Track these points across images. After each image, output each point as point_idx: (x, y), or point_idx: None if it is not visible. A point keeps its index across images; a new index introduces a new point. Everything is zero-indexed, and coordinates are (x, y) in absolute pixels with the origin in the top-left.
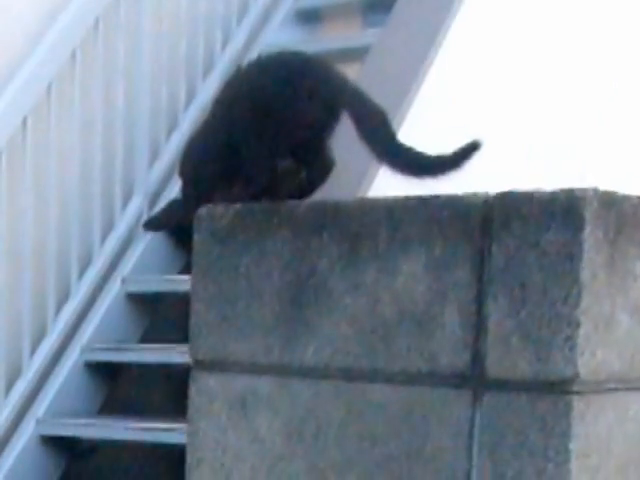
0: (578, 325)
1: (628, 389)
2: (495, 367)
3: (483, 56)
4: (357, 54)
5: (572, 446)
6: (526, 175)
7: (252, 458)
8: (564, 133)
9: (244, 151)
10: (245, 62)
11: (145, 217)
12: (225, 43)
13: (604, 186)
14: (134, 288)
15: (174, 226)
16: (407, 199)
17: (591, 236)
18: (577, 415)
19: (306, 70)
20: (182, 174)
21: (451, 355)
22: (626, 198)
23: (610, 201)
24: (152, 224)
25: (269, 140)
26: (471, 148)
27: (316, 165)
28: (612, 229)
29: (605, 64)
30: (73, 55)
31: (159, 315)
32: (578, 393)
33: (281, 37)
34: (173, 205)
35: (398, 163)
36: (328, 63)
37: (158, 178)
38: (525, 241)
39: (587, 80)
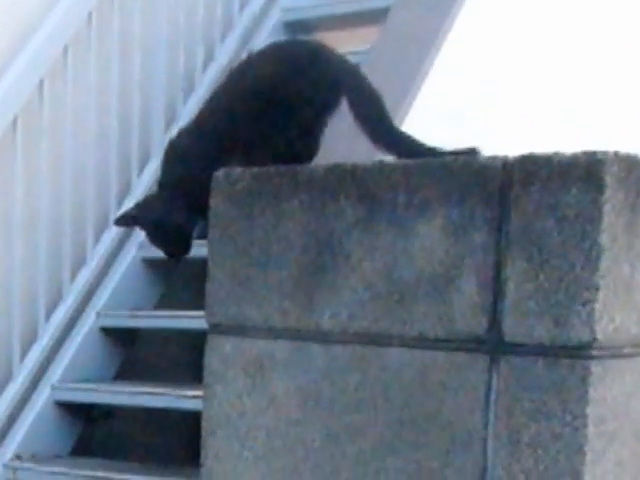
0: (597, 289)
1: None
2: (512, 331)
3: (508, 15)
4: (377, 16)
5: (589, 411)
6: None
7: (268, 423)
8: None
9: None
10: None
11: None
12: (243, 5)
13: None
14: (150, 253)
15: (150, 223)
16: (425, 162)
17: (611, 199)
18: (594, 380)
19: (309, 58)
20: (167, 173)
21: (468, 319)
22: None
23: (631, 164)
24: (123, 219)
25: (279, 125)
26: (469, 153)
27: (310, 147)
28: (632, 192)
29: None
30: (89, 17)
31: (175, 280)
32: (596, 357)
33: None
34: (148, 201)
35: (391, 147)
36: (329, 49)
37: None
38: (544, 204)
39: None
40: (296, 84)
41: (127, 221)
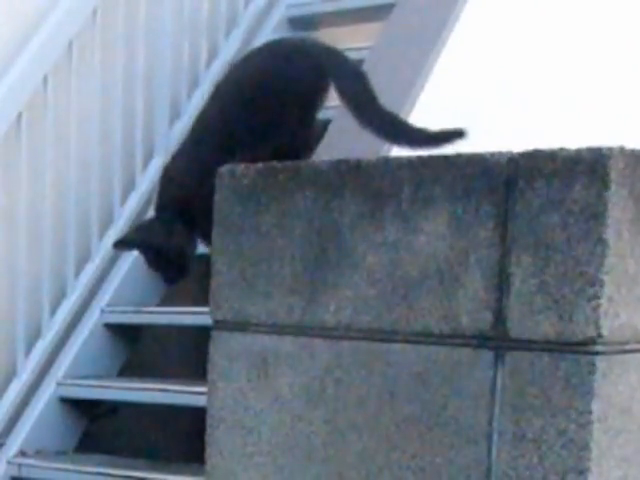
0: (602, 285)
1: None
2: (517, 327)
3: (513, 10)
4: (381, 12)
5: (594, 406)
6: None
7: (272, 418)
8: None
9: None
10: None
11: None
12: (248, 1)
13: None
14: None
15: (148, 246)
16: (430, 157)
17: (616, 195)
18: (600, 375)
19: (292, 48)
20: (164, 197)
21: (473, 315)
22: None
23: (636, 159)
24: (122, 243)
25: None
26: (456, 134)
27: (307, 135)
28: (638, 188)
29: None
30: (94, 13)
31: None
32: (601, 353)
33: None
34: (146, 225)
35: (377, 127)
36: (313, 38)
37: (179, 138)
38: (549, 200)
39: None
40: (282, 74)
41: (126, 245)
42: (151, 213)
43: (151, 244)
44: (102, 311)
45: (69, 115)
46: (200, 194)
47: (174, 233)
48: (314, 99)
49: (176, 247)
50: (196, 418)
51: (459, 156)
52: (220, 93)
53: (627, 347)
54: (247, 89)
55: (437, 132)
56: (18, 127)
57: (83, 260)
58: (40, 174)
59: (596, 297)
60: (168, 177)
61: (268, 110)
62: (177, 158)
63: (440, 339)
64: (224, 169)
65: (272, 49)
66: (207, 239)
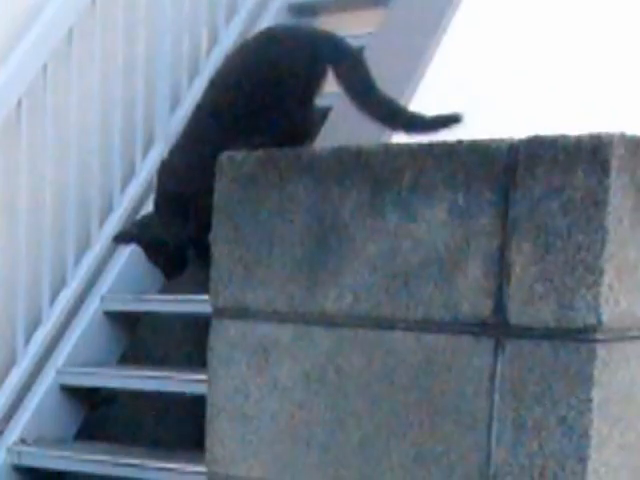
0: (602, 272)
1: None
2: (518, 314)
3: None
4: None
5: (594, 394)
6: None
7: (272, 406)
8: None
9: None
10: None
11: None
12: None
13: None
14: None
15: (147, 241)
16: (431, 145)
17: (617, 182)
18: (600, 363)
19: (288, 36)
20: (162, 193)
21: (473, 302)
22: None
23: (637, 146)
24: (122, 237)
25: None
26: (452, 119)
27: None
28: (638, 175)
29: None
30: (93, 0)
31: None
32: (601, 341)
33: None
34: (146, 220)
35: (373, 111)
36: (311, 26)
37: (179, 125)
38: (550, 187)
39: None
40: (278, 61)
41: (126, 239)
42: (151, 200)
43: (150, 239)
44: (102, 299)
45: (69, 102)
46: (198, 188)
47: (173, 228)
48: (312, 86)
49: (175, 242)
50: (196, 406)
51: (460, 143)
52: (216, 86)
53: (627, 334)
54: (244, 79)
55: (434, 117)
56: (18, 114)
57: (83, 248)
58: (40, 161)
59: (596, 284)
60: (166, 172)
61: (266, 99)
62: (175, 153)
63: (440, 327)
64: (224, 157)
65: (268, 37)
66: (203, 235)
